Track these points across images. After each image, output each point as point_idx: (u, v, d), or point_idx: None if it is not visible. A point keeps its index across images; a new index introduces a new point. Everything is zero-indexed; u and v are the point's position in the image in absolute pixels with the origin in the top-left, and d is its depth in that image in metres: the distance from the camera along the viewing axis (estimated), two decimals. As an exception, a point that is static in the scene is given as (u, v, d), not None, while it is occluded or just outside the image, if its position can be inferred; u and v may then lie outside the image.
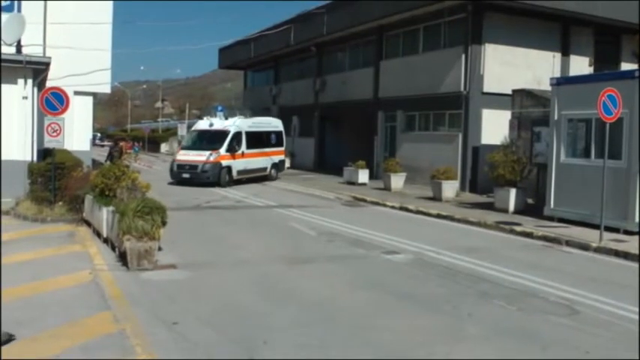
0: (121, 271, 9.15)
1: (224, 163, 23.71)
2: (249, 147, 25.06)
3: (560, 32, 24.19)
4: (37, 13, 20.38)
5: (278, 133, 28.08)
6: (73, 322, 6.71)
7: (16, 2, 20.11)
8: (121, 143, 30.31)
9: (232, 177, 24.10)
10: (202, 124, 26.26)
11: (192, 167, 23.49)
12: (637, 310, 7.60)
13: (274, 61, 39.93)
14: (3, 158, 15.33)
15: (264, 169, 26.46)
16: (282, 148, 28.34)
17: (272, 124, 28.31)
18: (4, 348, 5.70)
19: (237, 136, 24.54)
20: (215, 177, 23.31)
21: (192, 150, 24.39)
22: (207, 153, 23.55)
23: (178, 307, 7.43)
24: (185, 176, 23.52)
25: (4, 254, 9.93)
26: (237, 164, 24.41)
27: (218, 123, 25.33)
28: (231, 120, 25.46)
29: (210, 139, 24.54)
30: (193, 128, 27.35)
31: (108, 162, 20.29)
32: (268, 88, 40.22)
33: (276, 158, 27.51)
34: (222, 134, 24.30)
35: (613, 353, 6.24)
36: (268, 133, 27.28)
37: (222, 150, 23.79)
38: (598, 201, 12.36)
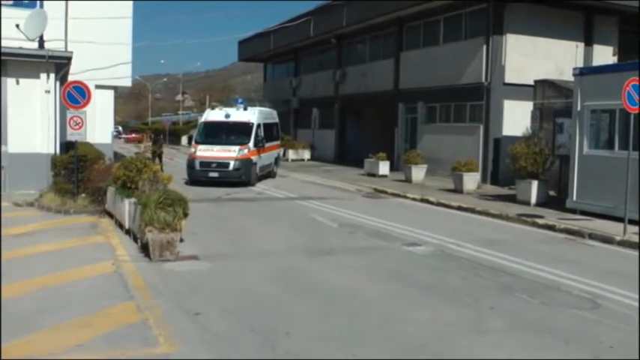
0: (144, 262, 9.24)
1: (253, 159, 21.16)
2: (266, 141, 22.83)
3: (583, 22, 23.80)
4: (58, 8, 20.64)
5: (277, 125, 26.12)
6: (96, 312, 6.78)
7: (38, -1, 20.35)
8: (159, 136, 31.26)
9: (257, 174, 21.63)
10: (215, 115, 22.72)
11: (221, 165, 20.37)
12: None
13: (294, 53, 39.88)
14: (27, 151, 15.74)
15: (271, 164, 24.12)
16: (279, 142, 26.72)
17: (272, 115, 25.88)
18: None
19: (258, 128, 21.94)
20: (247, 175, 20.61)
21: (214, 145, 20.98)
22: (237, 148, 20.62)
23: (200, 297, 7.48)
24: (213, 175, 20.37)
25: (29, 245, 10.14)
26: (260, 160, 21.94)
27: (235, 114, 22.19)
28: (249, 111, 22.54)
29: (229, 132, 21.70)
30: (204, 119, 23.48)
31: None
32: (288, 80, 40.20)
33: (276, 152, 25.54)
34: (245, 127, 21.53)
35: (635, 348, 6.15)
36: (271, 125, 24.86)
37: (251, 144, 21.08)
38: (621, 193, 12.17)
